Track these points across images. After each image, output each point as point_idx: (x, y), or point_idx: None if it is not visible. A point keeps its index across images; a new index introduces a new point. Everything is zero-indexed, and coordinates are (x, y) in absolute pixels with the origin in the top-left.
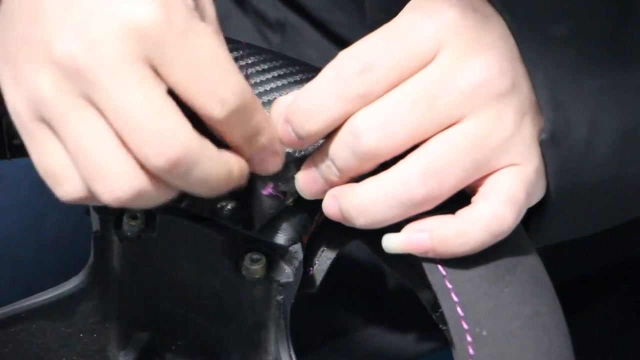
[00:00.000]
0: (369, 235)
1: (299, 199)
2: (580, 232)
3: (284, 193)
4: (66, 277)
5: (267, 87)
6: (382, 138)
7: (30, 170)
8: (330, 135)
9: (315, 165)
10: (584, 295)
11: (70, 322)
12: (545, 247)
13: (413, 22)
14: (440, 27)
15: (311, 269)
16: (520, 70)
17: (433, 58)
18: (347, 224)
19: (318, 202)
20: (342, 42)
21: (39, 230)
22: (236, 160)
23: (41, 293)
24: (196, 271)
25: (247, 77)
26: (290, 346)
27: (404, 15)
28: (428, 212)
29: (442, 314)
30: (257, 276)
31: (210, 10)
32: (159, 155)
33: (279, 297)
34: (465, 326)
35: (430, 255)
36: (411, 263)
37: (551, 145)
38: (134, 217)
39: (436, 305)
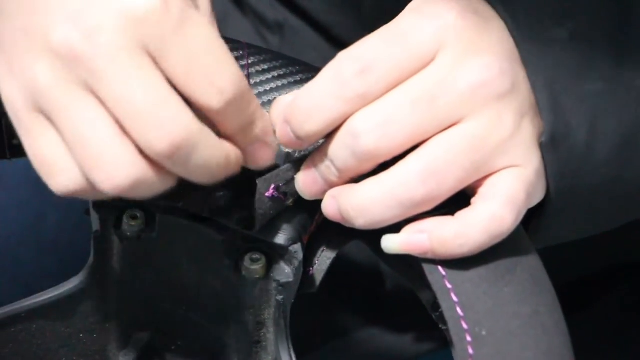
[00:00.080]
0: (368, 235)
1: (299, 199)
2: (580, 233)
3: (285, 194)
4: (66, 277)
5: (267, 87)
6: (381, 138)
7: (30, 170)
8: (329, 136)
9: (315, 165)
10: (584, 295)
11: (70, 322)
12: (546, 248)
13: (413, 24)
14: (441, 29)
15: (311, 269)
16: (520, 72)
17: (432, 59)
18: (347, 225)
19: (318, 202)
20: (341, 44)
21: (39, 230)
22: (232, 148)
23: (41, 293)
24: (196, 271)
25: (248, 77)
26: (290, 346)
27: (405, 17)
28: (427, 213)
29: (441, 314)
30: (257, 276)
31: (204, 1)
32: (161, 140)
33: (279, 297)
34: (464, 326)
35: (429, 256)
36: (411, 263)
37: (551, 148)
38: (133, 217)
39: (436, 305)
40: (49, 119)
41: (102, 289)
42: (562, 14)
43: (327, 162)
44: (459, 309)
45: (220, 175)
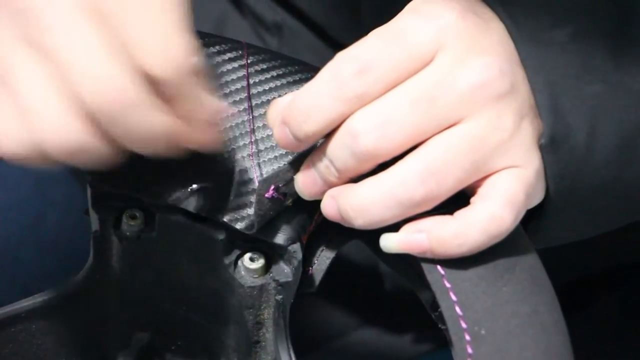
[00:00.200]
0: (368, 235)
1: (298, 199)
2: (579, 234)
3: (284, 194)
4: (66, 277)
5: (267, 87)
6: (381, 138)
7: (30, 170)
8: (329, 136)
9: (315, 166)
10: (584, 295)
11: (70, 322)
12: (546, 248)
13: (413, 24)
14: (440, 30)
15: (310, 268)
16: (519, 74)
17: (431, 60)
18: (346, 225)
19: (317, 202)
20: (339, 46)
21: (39, 230)
22: (175, 122)
23: (41, 293)
24: (196, 271)
25: (247, 76)
26: (290, 346)
27: (404, 17)
28: (427, 213)
29: (440, 314)
30: (256, 276)
31: None
32: (94, 94)
33: (278, 297)
34: (463, 325)
35: (428, 255)
36: (410, 262)
37: (550, 149)
38: (133, 217)
39: (435, 305)
40: None
41: (102, 289)
42: (561, 16)
43: (326, 163)
44: (458, 308)
45: (159, 147)
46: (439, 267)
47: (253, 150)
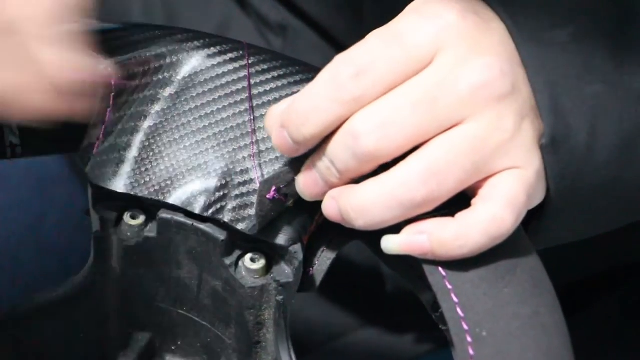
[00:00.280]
0: (369, 236)
1: (299, 200)
2: (580, 235)
3: (285, 195)
4: (66, 277)
5: (268, 87)
6: (382, 139)
7: (30, 170)
8: (330, 137)
9: (316, 167)
10: (585, 295)
11: (70, 322)
12: (546, 249)
13: (413, 24)
14: (441, 30)
15: (311, 269)
16: (520, 74)
17: (431, 61)
18: (347, 225)
19: (318, 203)
20: (343, 47)
21: (39, 230)
22: (47, 92)
23: (41, 293)
24: (196, 271)
25: (248, 77)
26: (290, 346)
27: (404, 17)
28: (428, 214)
29: (442, 315)
30: (257, 276)
31: None
32: None
33: (279, 298)
34: (465, 327)
35: (429, 257)
36: (411, 264)
37: (551, 150)
38: (133, 217)
39: (436, 306)
40: None
41: (102, 289)
42: (562, 16)
43: (327, 164)
44: (459, 310)
45: (27, 112)
46: (440, 268)
47: (254, 151)
